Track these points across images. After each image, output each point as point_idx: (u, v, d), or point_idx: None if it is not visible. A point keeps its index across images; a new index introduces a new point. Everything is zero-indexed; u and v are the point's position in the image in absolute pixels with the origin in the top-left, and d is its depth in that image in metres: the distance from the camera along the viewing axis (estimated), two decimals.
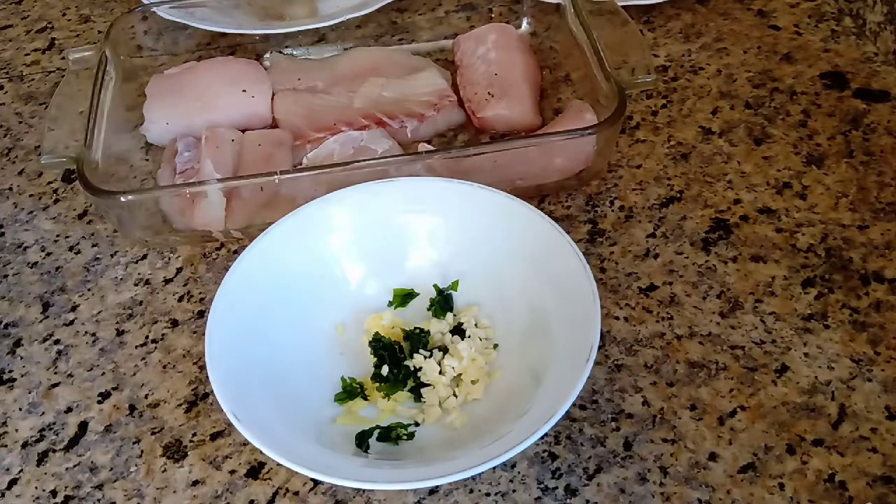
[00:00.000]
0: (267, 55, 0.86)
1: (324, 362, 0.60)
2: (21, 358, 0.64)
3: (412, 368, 0.58)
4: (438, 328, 0.61)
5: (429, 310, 0.63)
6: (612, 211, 0.70)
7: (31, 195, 0.77)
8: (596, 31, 0.73)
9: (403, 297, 0.64)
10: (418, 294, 0.64)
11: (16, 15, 0.99)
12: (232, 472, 0.56)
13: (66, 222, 0.74)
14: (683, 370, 0.59)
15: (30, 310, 0.68)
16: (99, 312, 0.67)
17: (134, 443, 0.59)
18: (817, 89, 0.79)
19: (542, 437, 0.52)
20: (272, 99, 0.79)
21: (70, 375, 0.63)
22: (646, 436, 0.56)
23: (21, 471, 0.58)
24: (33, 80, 0.90)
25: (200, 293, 0.67)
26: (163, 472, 0.57)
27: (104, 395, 0.62)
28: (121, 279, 0.69)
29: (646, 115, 0.78)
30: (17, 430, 0.60)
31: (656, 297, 0.64)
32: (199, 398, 0.61)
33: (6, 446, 0.59)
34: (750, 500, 0.53)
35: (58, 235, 0.73)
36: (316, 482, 0.55)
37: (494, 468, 0.55)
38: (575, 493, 0.54)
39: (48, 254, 0.72)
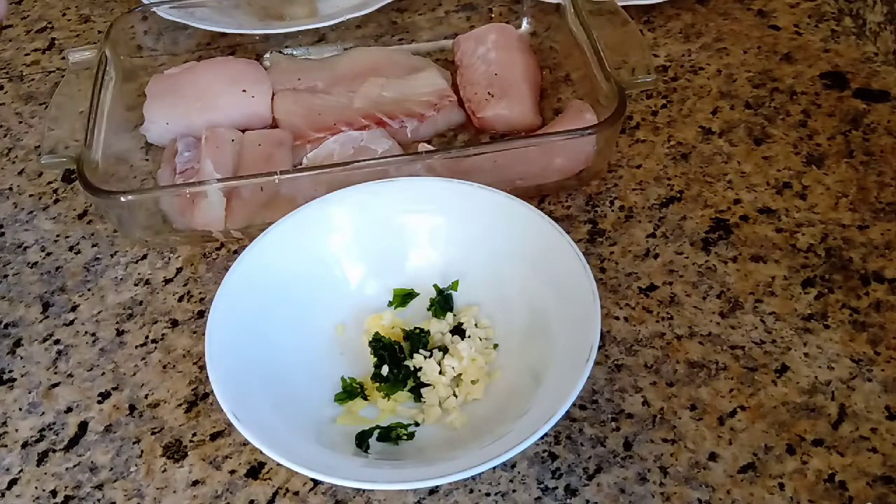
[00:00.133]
0: (267, 55, 0.86)
1: (324, 362, 0.60)
2: (21, 358, 0.64)
3: (412, 368, 0.58)
4: (438, 328, 0.61)
5: (429, 310, 0.63)
6: (612, 211, 0.70)
7: (31, 195, 0.77)
8: (596, 31, 0.73)
9: (403, 297, 0.64)
10: (418, 294, 0.64)
11: (16, 15, 0.99)
12: (232, 472, 0.56)
13: (66, 222, 0.74)
14: (683, 370, 0.59)
15: (30, 310, 0.68)
16: (99, 312, 0.67)
17: (134, 443, 0.59)
18: (817, 89, 0.79)
19: (542, 437, 0.52)
20: (272, 99, 0.79)
21: (70, 375, 0.63)
22: (646, 436, 0.56)
23: (21, 471, 0.58)
24: (33, 80, 0.90)
25: (200, 293, 0.67)
26: (163, 472, 0.57)
27: (104, 395, 0.62)
28: (121, 279, 0.69)
29: (646, 115, 0.78)
30: (17, 430, 0.60)
31: (656, 297, 0.64)
32: (199, 398, 0.61)
33: (6, 446, 0.59)
34: (750, 500, 0.53)
35: (58, 235, 0.73)
36: (316, 482, 0.55)
37: (494, 468, 0.55)
38: (575, 493, 0.54)
39: (48, 254, 0.72)
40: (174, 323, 0.66)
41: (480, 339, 0.60)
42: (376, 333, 0.60)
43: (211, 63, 0.82)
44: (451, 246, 0.64)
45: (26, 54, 0.93)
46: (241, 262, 0.59)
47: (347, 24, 0.87)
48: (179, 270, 0.69)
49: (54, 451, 0.59)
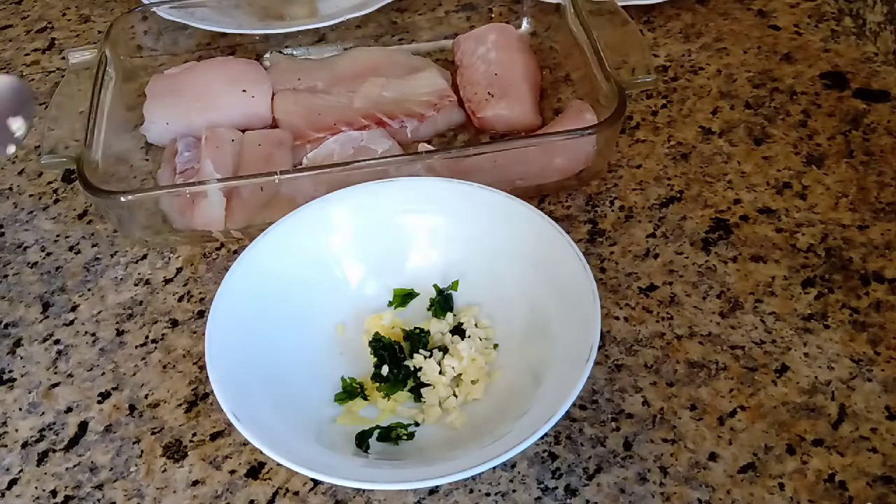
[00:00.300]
0: (267, 55, 0.86)
1: (324, 362, 0.60)
2: (21, 358, 0.64)
3: (412, 368, 0.58)
4: (438, 328, 0.61)
5: (429, 310, 0.63)
6: (612, 211, 0.70)
7: (31, 195, 0.77)
8: (596, 31, 0.73)
9: (403, 297, 0.64)
10: (418, 294, 0.64)
11: (16, 15, 0.99)
12: (232, 472, 0.56)
13: (66, 222, 0.74)
14: (683, 370, 0.59)
15: (30, 310, 0.68)
16: (99, 312, 0.67)
17: (134, 443, 0.59)
18: (817, 89, 0.79)
19: (542, 437, 0.52)
20: (272, 99, 0.79)
21: (70, 375, 0.63)
22: (646, 436, 0.56)
23: (21, 471, 0.58)
24: (33, 80, 0.89)
25: (200, 293, 0.67)
26: (163, 472, 0.57)
27: (104, 395, 0.62)
28: (121, 279, 0.69)
29: (646, 115, 0.78)
30: (17, 430, 0.60)
31: (656, 297, 0.64)
32: (199, 398, 0.61)
33: (6, 446, 0.59)
34: (750, 500, 0.53)
35: (58, 235, 0.73)
36: (316, 482, 0.55)
37: (494, 468, 0.55)
38: (575, 493, 0.54)
39: (48, 254, 0.72)
40: (174, 323, 0.66)
41: (480, 339, 0.60)
42: (376, 333, 0.60)
43: (211, 63, 0.82)
44: (451, 246, 0.64)
45: (26, 54, 0.93)
46: (241, 262, 0.59)
47: (347, 24, 0.87)
48: (179, 270, 0.69)
49: (54, 451, 0.59)
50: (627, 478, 0.54)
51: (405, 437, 0.56)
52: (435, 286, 0.64)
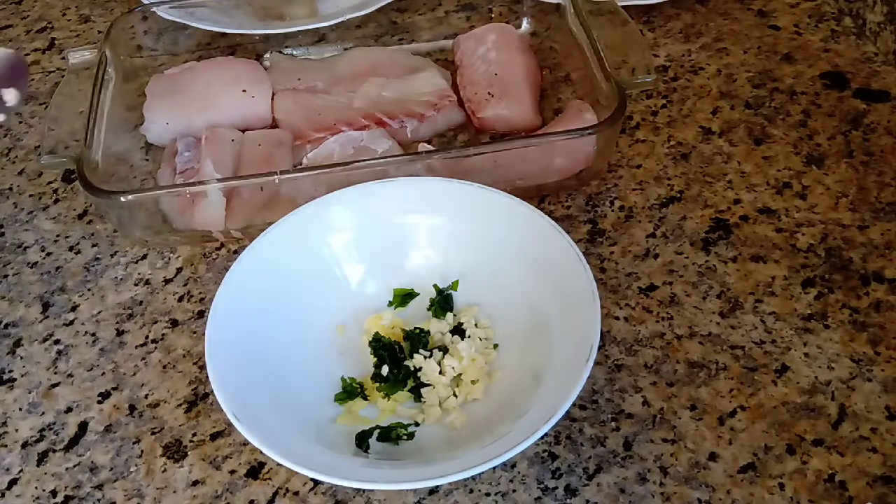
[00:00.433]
0: (267, 55, 0.86)
1: (324, 362, 0.60)
2: (21, 358, 0.64)
3: (412, 368, 0.58)
4: (438, 328, 0.61)
5: (429, 310, 0.63)
6: (612, 211, 0.70)
7: (31, 195, 0.77)
8: (596, 31, 0.73)
9: (403, 297, 0.64)
10: (418, 294, 0.64)
11: (16, 15, 0.99)
12: (232, 472, 0.56)
13: (66, 222, 0.74)
14: (683, 370, 0.59)
15: (30, 310, 0.68)
16: (99, 312, 0.67)
17: (134, 443, 0.59)
18: (817, 89, 0.79)
19: (542, 437, 0.52)
20: (272, 99, 0.79)
21: (70, 375, 0.63)
22: (646, 436, 0.56)
23: (21, 471, 0.58)
24: (33, 80, 0.89)
25: (200, 293, 0.67)
26: (163, 472, 0.57)
27: (104, 395, 0.62)
28: (121, 279, 0.69)
29: (646, 115, 0.78)
30: (17, 430, 0.60)
31: (656, 297, 0.64)
32: (199, 398, 0.61)
33: (6, 446, 0.59)
34: (750, 500, 0.53)
35: (58, 235, 0.73)
36: (316, 482, 0.55)
37: (494, 468, 0.55)
38: (575, 493, 0.54)
39: (48, 254, 0.72)
40: (174, 323, 0.66)
41: (480, 339, 0.60)
42: (376, 333, 0.60)
43: (211, 63, 0.82)
44: (451, 246, 0.64)
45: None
46: (241, 262, 0.59)
47: (347, 24, 0.87)
48: (179, 270, 0.69)
49: (54, 451, 0.59)
50: (627, 478, 0.54)
51: (405, 437, 0.56)
52: (435, 286, 0.64)
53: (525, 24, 0.87)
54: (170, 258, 0.70)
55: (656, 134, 0.77)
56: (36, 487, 0.57)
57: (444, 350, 0.60)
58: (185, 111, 0.77)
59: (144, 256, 0.71)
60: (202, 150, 0.72)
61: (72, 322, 0.66)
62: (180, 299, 0.67)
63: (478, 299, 0.63)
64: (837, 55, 0.82)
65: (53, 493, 0.57)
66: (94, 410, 0.61)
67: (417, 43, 0.87)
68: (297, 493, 0.55)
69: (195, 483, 0.56)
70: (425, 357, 0.59)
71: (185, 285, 0.68)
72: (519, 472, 0.55)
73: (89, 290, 0.69)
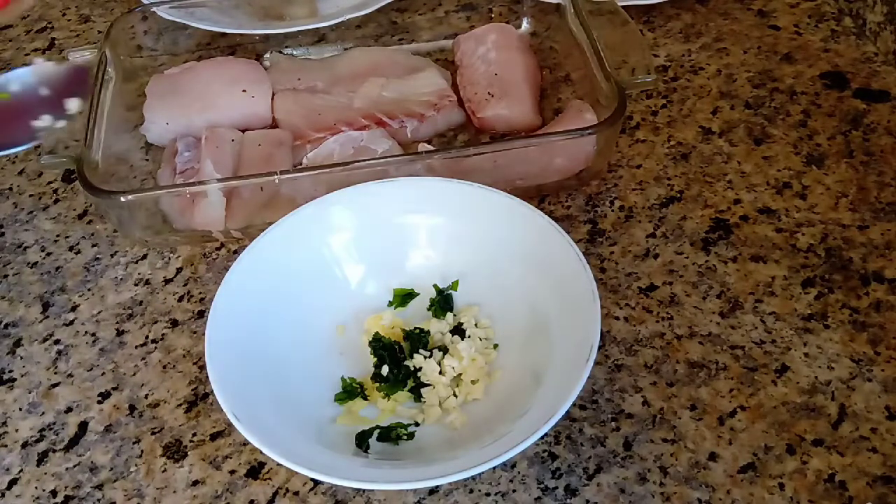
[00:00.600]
0: (267, 55, 0.86)
1: (324, 362, 0.60)
2: (21, 358, 0.64)
3: (412, 368, 0.58)
4: (438, 328, 0.61)
5: (429, 310, 0.63)
6: (612, 211, 0.70)
7: (31, 195, 0.77)
8: (596, 31, 0.73)
9: (403, 297, 0.64)
10: (418, 294, 0.64)
11: None
12: (232, 472, 0.56)
13: (66, 222, 0.74)
14: (683, 370, 0.59)
15: (30, 310, 0.68)
16: (99, 312, 0.67)
17: (134, 443, 0.59)
18: (817, 89, 0.79)
19: (542, 437, 0.52)
20: (272, 99, 0.79)
21: (70, 375, 0.63)
22: (646, 436, 0.56)
23: (21, 471, 0.58)
24: None
25: (200, 293, 0.67)
26: (163, 472, 0.57)
27: (104, 395, 0.62)
28: (121, 279, 0.69)
29: (646, 115, 0.78)
30: (17, 430, 0.60)
31: (656, 297, 0.64)
32: (199, 398, 0.61)
33: (6, 446, 0.59)
34: (750, 500, 0.53)
35: (58, 235, 0.73)
36: (316, 482, 0.55)
37: (494, 468, 0.55)
38: (575, 493, 0.54)
39: (48, 254, 0.72)
40: (174, 323, 0.66)
41: (480, 339, 0.60)
42: (376, 333, 0.60)
43: (211, 63, 0.82)
44: (451, 246, 0.64)
45: (26, 54, 0.93)
46: (241, 262, 0.59)
47: (347, 24, 0.87)
48: (179, 270, 0.69)
49: (54, 451, 0.59)
50: (627, 478, 0.54)
51: (405, 437, 0.56)
52: (435, 286, 0.64)
53: (525, 24, 0.87)
54: (170, 258, 0.70)
55: (656, 134, 0.77)
56: (36, 487, 0.57)
57: (444, 350, 0.60)
58: (185, 111, 0.77)
59: (144, 256, 0.71)
60: (202, 150, 0.72)
61: (72, 322, 0.66)
62: (180, 299, 0.67)
63: (478, 299, 0.63)
64: (837, 55, 0.82)
65: (53, 493, 0.57)
66: (94, 410, 0.61)
67: (417, 43, 0.87)
68: (297, 493, 0.55)
69: (195, 483, 0.56)
70: (425, 357, 0.59)
71: (185, 285, 0.68)
72: (519, 472, 0.55)
73: (89, 290, 0.69)
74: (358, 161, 0.67)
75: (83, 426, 0.60)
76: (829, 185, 0.71)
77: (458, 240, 0.63)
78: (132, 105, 0.79)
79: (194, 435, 0.59)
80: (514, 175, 0.69)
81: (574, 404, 0.56)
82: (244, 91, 0.78)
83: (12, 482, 0.57)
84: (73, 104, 0.60)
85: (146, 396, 0.61)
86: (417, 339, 0.60)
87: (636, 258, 0.67)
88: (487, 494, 0.54)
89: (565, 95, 0.80)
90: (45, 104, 0.61)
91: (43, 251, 0.72)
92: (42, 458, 0.58)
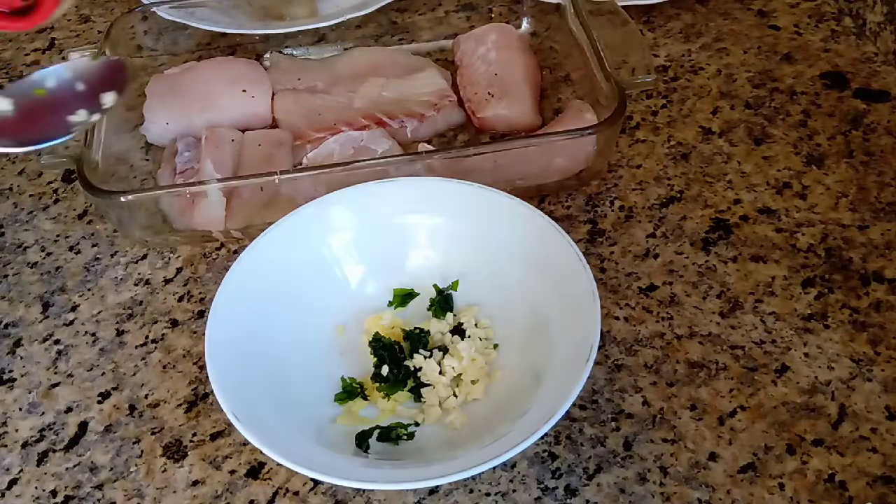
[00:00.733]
0: (267, 55, 0.86)
1: (324, 362, 0.60)
2: (21, 358, 0.64)
3: (412, 368, 0.58)
4: (438, 328, 0.61)
5: (429, 310, 0.63)
6: (612, 211, 0.70)
7: (31, 195, 0.77)
8: (596, 31, 0.73)
9: (403, 297, 0.64)
10: (418, 294, 0.64)
11: None
12: (232, 472, 0.56)
13: (66, 222, 0.74)
14: (683, 370, 0.59)
15: (30, 310, 0.68)
16: (99, 312, 0.67)
17: (134, 443, 0.59)
18: (817, 89, 0.79)
19: (542, 437, 0.52)
20: (272, 99, 0.79)
21: (70, 375, 0.63)
22: (646, 436, 0.56)
23: (21, 471, 0.58)
24: None
25: (200, 293, 0.67)
26: (163, 472, 0.57)
27: (104, 395, 0.62)
28: (121, 279, 0.69)
29: (646, 115, 0.78)
30: (17, 430, 0.60)
31: (656, 297, 0.64)
32: (199, 398, 0.61)
33: (6, 446, 0.59)
34: (750, 500, 0.53)
35: (58, 235, 0.73)
36: (316, 482, 0.55)
37: (494, 468, 0.55)
38: (575, 493, 0.54)
39: (48, 254, 0.72)
40: (174, 323, 0.66)
41: (480, 339, 0.60)
42: (376, 333, 0.60)
43: (211, 63, 0.82)
44: (451, 246, 0.64)
45: (26, 54, 0.93)
46: (241, 262, 0.59)
47: (347, 24, 0.87)
48: (179, 270, 0.69)
49: (54, 451, 0.59)
50: (627, 478, 0.54)
51: (405, 437, 0.56)
52: (435, 286, 0.64)
53: (525, 24, 0.87)
54: (170, 258, 0.70)
55: (656, 134, 0.77)
56: (36, 487, 0.57)
57: (444, 350, 0.60)
58: (185, 111, 0.77)
59: (144, 256, 0.71)
60: (202, 150, 0.72)
61: (72, 322, 0.66)
62: (180, 299, 0.67)
63: (478, 299, 0.63)
64: (837, 55, 0.82)
65: (53, 493, 0.57)
66: (94, 410, 0.61)
67: (417, 43, 0.87)
68: (297, 493, 0.55)
69: (195, 483, 0.56)
70: (425, 357, 0.59)
71: (185, 285, 0.68)
72: (519, 472, 0.55)
73: (89, 290, 0.69)
74: (358, 161, 0.67)
75: (83, 426, 0.60)
76: (829, 185, 0.71)
77: (458, 240, 0.63)
78: (132, 105, 0.79)
79: (194, 435, 0.59)
80: (514, 175, 0.69)
81: (574, 404, 0.56)
82: (244, 91, 0.78)
83: (12, 482, 0.57)
84: (108, 99, 0.60)
85: (146, 396, 0.61)
86: (417, 339, 0.60)
87: (636, 258, 0.67)
88: (487, 494, 0.54)
89: (565, 95, 0.80)
90: (80, 99, 0.61)
91: (43, 251, 0.72)
92: (42, 458, 0.58)
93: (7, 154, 0.62)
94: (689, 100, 0.79)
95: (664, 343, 0.61)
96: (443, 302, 0.62)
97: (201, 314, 0.66)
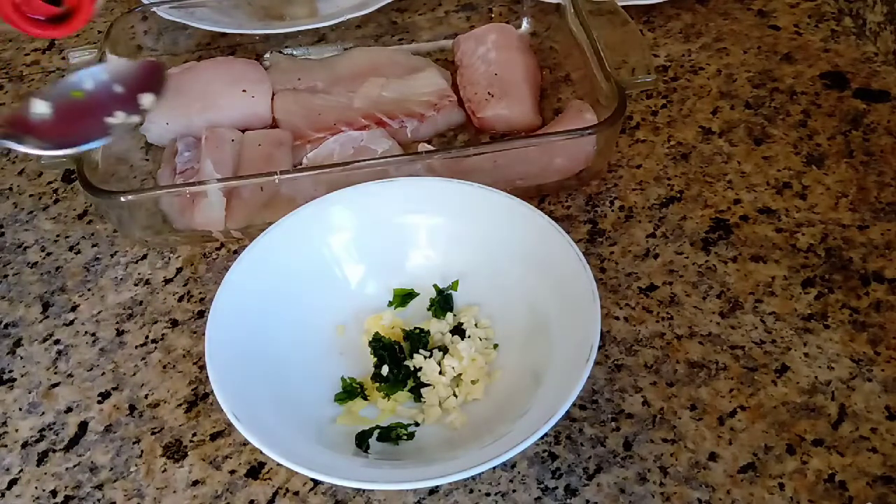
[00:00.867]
0: (267, 55, 0.86)
1: (324, 362, 0.60)
2: (21, 358, 0.64)
3: (412, 368, 0.58)
4: (438, 328, 0.61)
5: (429, 310, 0.63)
6: (612, 211, 0.70)
7: (31, 195, 0.77)
8: (596, 31, 0.73)
9: (403, 297, 0.64)
10: (418, 294, 0.64)
11: None
12: (232, 472, 0.56)
13: (66, 222, 0.74)
14: (683, 370, 0.59)
15: (30, 310, 0.68)
16: (99, 312, 0.67)
17: (134, 443, 0.59)
18: (817, 89, 0.79)
19: (542, 437, 0.52)
20: (272, 99, 0.79)
21: (70, 375, 0.63)
22: (646, 436, 0.56)
23: (21, 471, 0.58)
24: (33, 80, 0.90)
25: (200, 293, 0.67)
26: (163, 472, 0.57)
27: (104, 395, 0.62)
28: (121, 279, 0.69)
29: (646, 115, 0.78)
30: (17, 430, 0.60)
31: (656, 297, 0.64)
32: (199, 398, 0.61)
33: (6, 446, 0.59)
34: (750, 500, 0.53)
35: (58, 235, 0.73)
36: (316, 482, 0.55)
37: (494, 468, 0.55)
38: (575, 493, 0.54)
39: (48, 254, 0.72)
40: (174, 323, 0.66)
41: (480, 339, 0.60)
42: (376, 333, 0.60)
43: (211, 63, 0.82)
44: (451, 246, 0.64)
45: (26, 54, 0.93)
46: (240, 262, 0.59)
47: (347, 24, 0.87)
48: (179, 270, 0.69)
49: (54, 451, 0.59)
50: (627, 478, 0.54)
51: (405, 437, 0.56)
52: (435, 286, 0.64)
53: (525, 24, 0.87)
54: (170, 258, 0.70)
55: (656, 134, 0.77)
56: (36, 487, 0.57)
57: (444, 350, 0.60)
58: (185, 111, 0.77)
59: (144, 256, 0.71)
60: (202, 150, 0.72)
61: (72, 322, 0.66)
62: (180, 299, 0.67)
63: (478, 299, 0.63)
64: (837, 55, 0.82)
65: (53, 493, 0.57)
66: (94, 410, 0.61)
67: (417, 43, 0.87)
68: (297, 493, 0.55)
69: (195, 483, 0.56)
70: (425, 357, 0.59)
71: (185, 285, 0.68)
72: (519, 472, 0.55)
73: (89, 290, 0.69)
74: (358, 161, 0.67)
75: (83, 426, 0.60)
76: (829, 185, 0.71)
77: (458, 240, 0.63)
78: None
79: (194, 435, 0.59)
80: (514, 175, 0.69)
81: (574, 404, 0.56)
82: (244, 91, 0.78)
83: (12, 482, 0.57)
84: (146, 100, 0.60)
85: (146, 396, 0.61)
86: (417, 339, 0.60)
87: (636, 258, 0.67)
88: (487, 494, 0.54)
89: (565, 95, 0.80)
90: (118, 101, 0.61)
91: (43, 251, 0.72)
92: (42, 458, 0.58)
93: (47, 156, 0.62)
94: (689, 100, 0.79)
95: (664, 343, 0.61)
96: (443, 302, 0.62)
97: (201, 314, 0.66)
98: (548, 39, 0.86)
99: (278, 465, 0.56)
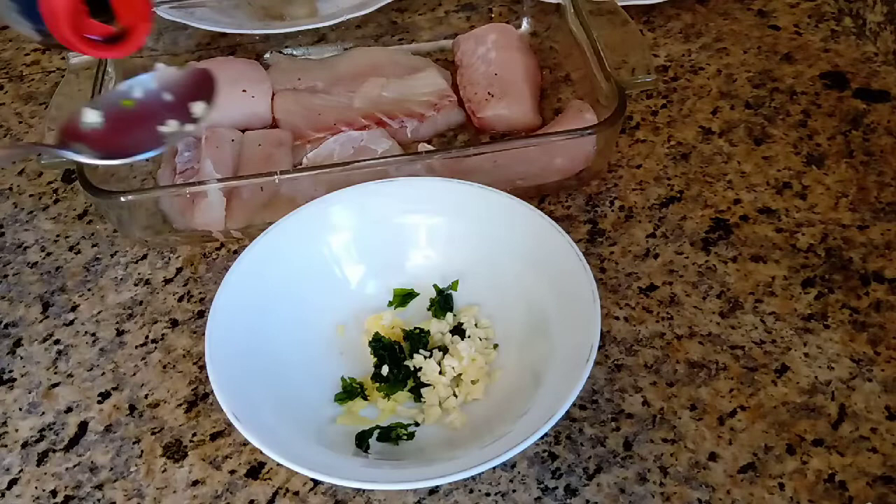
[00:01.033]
0: (267, 55, 0.86)
1: (324, 362, 0.60)
2: (21, 358, 0.64)
3: (412, 368, 0.58)
4: (438, 328, 0.61)
5: (429, 310, 0.63)
6: (612, 211, 0.70)
7: (31, 195, 0.77)
8: (596, 31, 0.73)
9: (403, 297, 0.64)
10: (418, 294, 0.64)
11: None
12: (232, 472, 0.56)
13: (66, 222, 0.74)
14: (683, 370, 0.59)
15: (30, 310, 0.68)
16: (99, 312, 0.67)
17: (134, 443, 0.59)
18: (817, 89, 0.79)
19: (542, 437, 0.52)
20: (272, 99, 0.79)
21: (70, 375, 0.63)
22: (646, 436, 0.56)
23: (21, 471, 0.58)
24: (33, 80, 0.90)
25: (200, 293, 0.67)
26: (163, 472, 0.57)
27: (104, 395, 0.62)
28: (121, 279, 0.69)
29: (646, 115, 0.78)
30: (17, 430, 0.60)
31: (656, 297, 0.64)
32: (199, 398, 0.61)
33: (6, 446, 0.59)
34: (750, 500, 0.53)
35: (58, 235, 0.73)
36: (316, 482, 0.55)
37: (494, 468, 0.55)
38: (575, 493, 0.54)
39: (48, 254, 0.72)
40: (174, 323, 0.66)
41: (480, 339, 0.60)
42: (376, 333, 0.60)
43: (211, 63, 0.82)
44: (451, 246, 0.64)
45: (26, 54, 0.93)
46: (241, 262, 0.59)
47: (347, 24, 0.87)
48: (179, 270, 0.69)
49: (54, 451, 0.59)
50: (627, 478, 0.54)
51: (405, 437, 0.56)
52: (435, 286, 0.64)
53: (525, 24, 0.87)
54: (170, 258, 0.70)
55: (656, 134, 0.77)
56: (36, 487, 0.57)
57: (444, 350, 0.60)
58: None
59: (144, 256, 0.71)
60: (202, 150, 0.72)
61: (72, 322, 0.66)
62: (180, 299, 0.67)
63: (478, 299, 0.63)
64: (837, 55, 0.82)
65: (53, 493, 0.57)
66: (94, 410, 0.61)
67: (417, 43, 0.87)
68: (297, 493, 0.55)
69: (195, 483, 0.56)
70: (425, 357, 0.59)
71: (185, 285, 0.68)
72: (519, 472, 0.55)
73: (89, 290, 0.69)
74: (358, 161, 0.67)
75: (83, 426, 0.60)
76: (829, 185, 0.71)
77: (458, 240, 0.63)
78: None
79: (194, 435, 0.59)
80: (514, 175, 0.69)
81: (574, 404, 0.56)
82: (244, 91, 0.78)
83: (12, 482, 0.57)
84: (198, 108, 0.60)
85: (146, 396, 0.61)
86: (417, 339, 0.60)
87: (636, 258, 0.67)
88: (487, 494, 0.54)
89: (565, 95, 0.80)
90: (169, 109, 0.60)
91: (43, 251, 0.72)
92: (42, 458, 0.58)
93: (103, 166, 0.62)
94: (689, 100, 0.79)
95: (664, 343, 0.61)
96: (443, 302, 0.62)
97: (201, 314, 0.66)
98: (548, 39, 0.86)
99: (278, 465, 0.56)
